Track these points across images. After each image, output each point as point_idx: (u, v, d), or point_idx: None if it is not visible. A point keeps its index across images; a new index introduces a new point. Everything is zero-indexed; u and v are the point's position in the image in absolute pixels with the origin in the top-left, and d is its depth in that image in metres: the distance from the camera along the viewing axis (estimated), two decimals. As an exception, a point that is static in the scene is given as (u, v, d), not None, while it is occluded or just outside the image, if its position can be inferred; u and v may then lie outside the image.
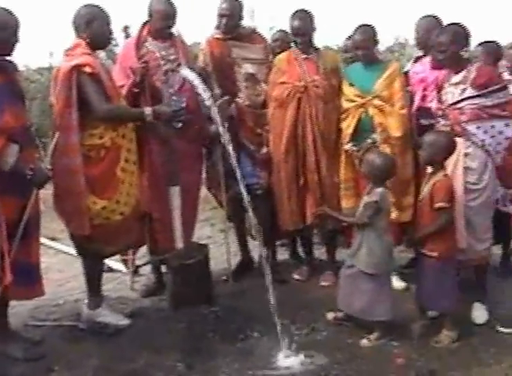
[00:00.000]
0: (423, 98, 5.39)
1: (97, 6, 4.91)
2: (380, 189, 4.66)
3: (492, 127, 4.72)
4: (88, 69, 4.69)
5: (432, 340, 4.64)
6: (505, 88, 4.82)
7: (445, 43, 4.76)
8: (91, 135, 4.77)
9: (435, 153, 4.59)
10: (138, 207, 5.11)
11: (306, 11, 5.59)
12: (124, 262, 6.03)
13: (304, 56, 5.60)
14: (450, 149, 4.63)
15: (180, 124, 5.36)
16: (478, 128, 4.72)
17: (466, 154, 4.72)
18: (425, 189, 4.66)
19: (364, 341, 4.69)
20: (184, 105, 5.30)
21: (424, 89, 5.39)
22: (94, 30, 4.83)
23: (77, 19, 4.87)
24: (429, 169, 4.79)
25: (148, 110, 5.00)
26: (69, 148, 4.68)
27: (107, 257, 5.33)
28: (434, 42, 5.06)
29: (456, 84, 4.81)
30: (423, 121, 5.30)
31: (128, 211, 4.97)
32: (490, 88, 4.71)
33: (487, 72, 4.85)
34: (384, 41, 14.28)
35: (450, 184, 4.59)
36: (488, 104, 4.70)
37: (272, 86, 5.65)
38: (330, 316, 5.01)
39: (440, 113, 4.93)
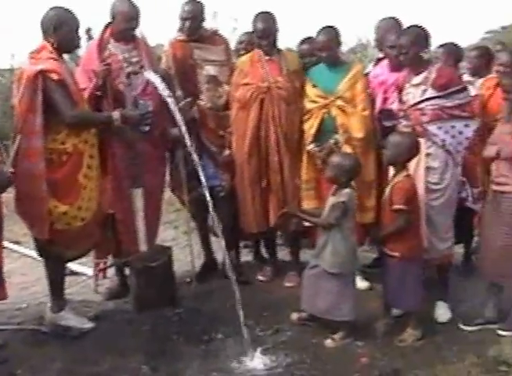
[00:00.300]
0: (385, 100, 5.45)
1: (67, 10, 4.87)
2: (347, 190, 4.68)
3: (453, 127, 4.79)
4: (54, 76, 4.65)
5: (396, 339, 4.69)
6: (465, 89, 4.90)
7: (405, 45, 4.82)
8: (53, 140, 4.73)
9: (399, 153, 4.64)
10: (100, 212, 5.08)
11: (269, 13, 5.59)
12: (97, 265, 5.97)
13: (268, 57, 5.60)
14: (414, 150, 4.68)
15: (147, 128, 5.35)
16: (439, 128, 4.78)
17: (427, 154, 4.78)
18: (387, 190, 4.70)
19: (328, 341, 4.72)
20: (151, 108, 5.28)
21: (385, 92, 5.46)
22: (62, 34, 4.79)
23: (45, 22, 4.82)
24: (391, 170, 4.83)
25: (116, 115, 4.98)
26: (31, 152, 4.64)
27: (69, 261, 5.28)
28: (392, 43, 5.14)
29: (417, 85, 4.87)
30: (386, 123, 5.34)
31: (89, 216, 4.94)
32: (450, 90, 4.78)
33: (447, 73, 4.92)
34: (347, 42, 14.35)
35: (410, 185, 4.64)
36: (449, 105, 4.77)
37: (234, 88, 5.65)
38: (294, 316, 5.03)
39: (401, 114, 4.98)
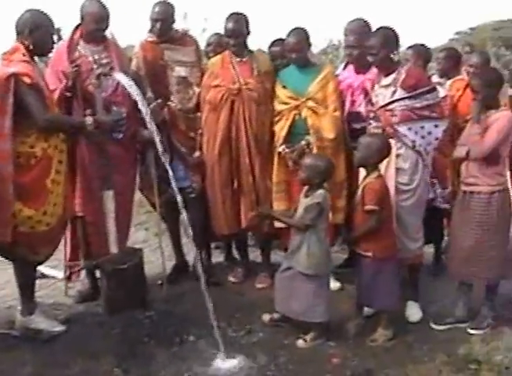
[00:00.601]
0: (353, 103, 5.48)
1: (42, 12, 4.85)
2: (321, 191, 4.70)
3: (422, 128, 4.83)
4: (27, 79, 4.62)
5: (368, 339, 4.71)
6: (434, 89, 4.95)
7: (375, 46, 4.84)
8: (22, 143, 4.69)
9: (370, 155, 4.67)
10: (65, 216, 5.05)
11: (240, 13, 5.59)
12: (69, 268, 5.91)
13: (238, 58, 5.60)
14: (384, 151, 4.72)
15: (121, 135, 5.34)
16: (409, 129, 4.82)
17: (397, 155, 4.81)
18: (358, 191, 4.72)
19: (300, 342, 4.73)
20: (125, 115, 5.26)
21: (352, 94, 5.48)
22: (38, 37, 4.76)
23: (20, 23, 4.80)
24: (362, 171, 4.86)
25: (89, 120, 4.98)
26: (0, 155, 4.60)
27: (37, 264, 5.22)
28: (351, 43, 5.25)
29: (386, 86, 4.91)
30: (355, 125, 5.39)
31: (54, 221, 4.89)
32: (419, 90, 4.82)
33: (416, 74, 4.97)
34: (318, 44, 14.40)
35: (382, 186, 4.67)
36: (418, 106, 4.82)
37: (205, 89, 5.63)
38: (266, 317, 5.04)
39: (371, 115, 5.02)
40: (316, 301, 4.70)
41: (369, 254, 4.67)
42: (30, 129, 4.71)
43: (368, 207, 4.61)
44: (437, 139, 4.90)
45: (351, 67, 5.67)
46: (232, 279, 5.99)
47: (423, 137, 4.84)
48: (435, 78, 5.93)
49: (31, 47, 4.76)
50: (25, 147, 4.70)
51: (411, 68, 5.01)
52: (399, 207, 4.87)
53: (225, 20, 5.55)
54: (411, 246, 4.98)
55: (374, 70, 5.23)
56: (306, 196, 4.77)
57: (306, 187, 4.80)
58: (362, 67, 5.40)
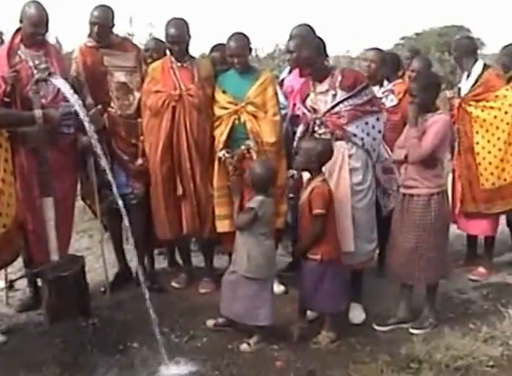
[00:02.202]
0: (294, 106, 5.55)
1: None
2: (259, 197, 4.75)
3: (366, 123, 4.96)
4: None
5: (312, 341, 4.75)
6: (368, 85, 5.08)
7: (311, 56, 4.96)
8: None
9: (311, 159, 4.71)
10: (18, 218, 5.02)
11: (182, 19, 5.59)
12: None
13: (179, 64, 5.59)
14: (326, 155, 4.77)
15: (72, 130, 5.30)
16: (357, 127, 4.94)
17: (350, 156, 4.87)
18: (304, 195, 4.76)
19: (244, 346, 4.76)
20: (73, 109, 5.07)
21: (294, 98, 5.56)
22: None
23: None
24: (305, 175, 4.91)
25: (38, 113, 4.92)
26: None
27: None
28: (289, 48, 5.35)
29: (325, 92, 4.98)
30: (296, 128, 5.42)
31: (9, 222, 4.87)
32: (358, 88, 4.94)
33: (351, 74, 5.10)
34: (265, 48, 14.48)
35: (327, 190, 4.72)
36: (360, 102, 4.95)
37: (146, 95, 5.61)
38: (210, 323, 5.06)
39: (317, 122, 5.02)
40: (258, 304, 4.74)
41: (317, 256, 4.71)
42: None
43: (316, 211, 4.66)
44: (380, 131, 5.03)
45: (296, 71, 5.74)
46: (175, 284, 5.98)
47: (368, 134, 4.95)
48: (387, 85, 5.99)
49: None
50: None
51: (344, 69, 5.12)
52: (354, 208, 4.94)
53: (166, 26, 5.55)
54: (367, 247, 5.07)
55: None
56: (249, 200, 4.83)
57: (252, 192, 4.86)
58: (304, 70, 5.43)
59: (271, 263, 4.89)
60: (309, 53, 4.96)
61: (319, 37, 5.11)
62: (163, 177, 5.60)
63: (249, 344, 4.77)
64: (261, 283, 4.78)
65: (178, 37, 5.51)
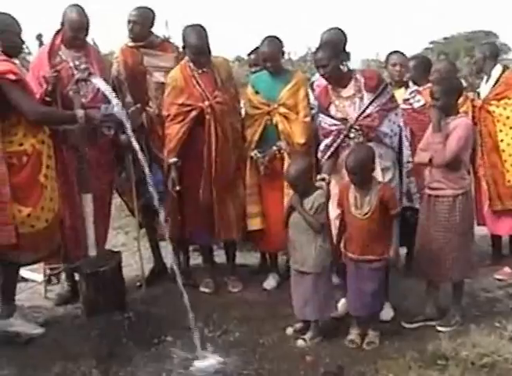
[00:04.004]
0: None
1: (8, 15, 4.88)
2: (319, 191, 4.72)
3: (389, 120, 4.93)
4: (11, 76, 4.63)
5: (346, 339, 4.72)
6: (387, 84, 5.10)
7: (324, 58, 4.89)
8: (10, 142, 4.71)
9: (368, 168, 4.61)
10: (59, 213, 5.07)
11: (199, 26, 5.47)
12: (52, 270, 5.91)
13: (200, 70, 5.49)
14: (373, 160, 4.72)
15: (112, 131, 5.34)
16: (387, 127, 4.92)
17: (379, 156, 4.82)
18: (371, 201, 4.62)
19: (300, 342, 4.75)
20: (114, 111, 5.10)
21: None
22: (5, 39, 4.77)
23: None
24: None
25: (80, 113, 4.98)
26: None
27: (28, 265, 5.27)
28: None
29: (351, 96, 4.95)
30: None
31: (51, 217, 4.92)
32: (381, 87, 4.91)
33: (373, 74, 5.09)
34: (298, 51, 14.54)
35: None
36: (384, 101, 4.92)
37: (167, 107, 5.50)
38: (290, 331, 4.93)
39: (353, 127, 4.93)
40: (322, 297, 4.75)
41: (385, 256, 4.62)
42: (14, 127, 4.73)
43: (395, 211, 4.61)
44: (399, 125, 5.02)
45: None
46: (203, 289, 5.82)
47: (392, 130, 4.94)
48: (412, 86, 5.98)
49: (1, 49, 4.77)
50: (14, 146, 4.72)
51: (364, 71, 5.10)
52: None
53: (185, 36, 5.43)
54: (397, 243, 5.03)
55: None
56: (301, 200, 4.71)
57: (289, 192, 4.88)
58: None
59: (329, 256, 4.84)
60: (323, 55, 4.92)
61: (342, 43, 5.08)
62: (195, 182, 5.53)
63: (304, 339, 4.75)
64: (328, 277, 4.81)
65: (201, 48, 5.42)
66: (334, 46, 5.03)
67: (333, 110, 5.02)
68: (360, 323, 4.78)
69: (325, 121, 5.08)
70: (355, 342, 4.69)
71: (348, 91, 4.96)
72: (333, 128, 5.00)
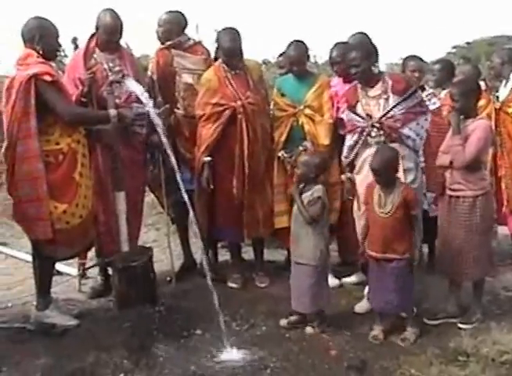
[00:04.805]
0: (337, 110, 5.56)
1: (46, 19, 4.94)
2: (319, 186, 4.79)
3: (418, 124, 4.98)
4: (48, 77, 4.72)
5: (397, 338, 4.73)
6: (417, 89, 5.09)
7: (357, 59, 4.94)
8: (47, 141, 4.79)
9: (393, 168, 4.66)
10: (93, 209, 5.14)
11: (233, 29, 5.55)
12: (82, 265, 6.00)
13: (233, 72, 5.56)
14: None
15: (144, 130, 5.41)
16: (410, 129, 4.95)
17: (402, 157, 4.86)
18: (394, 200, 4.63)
19: (309, 329, 4.86)
20: (146, 110, 5.20)
21: (338, 102, 5.57)
22: (42, 43, 4.84)
23: (25, 31, 4.89)
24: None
25: (113, 112, 5.06)
26: (29, 155, 4.70)
27: (63, 259, 5.35)
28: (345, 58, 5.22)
29: (377, 96, 4.99)
30: (340, 131, 5.49)
31: (86, 213, 5.00)
32: (409, 91, 4.94)
33: (401, 78, 5.15)
34: (323, 55, 14.50)
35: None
36: (411, 105, 4.95)
37: (201, 107, 5.57)
38: (283, 322, 5.02)
39: (374, 125, 4.99)
40: (321, 290, 4.85)
41: (406, 256, 4.61)
42: (51, 127, 4.82)
43: (415, 211, 4.63)
44: (426, 130, 5.05)
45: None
46: (231, 284, 5.85)
47: (418, 134, 4.97)
48: (429, 89, 6.02)
49: (41, 52, 4.85)
50: (51, 145, 4.81)
51: (394, 75, 5.11)
52: None
53: (219, 39, 5.55)
54: (418, 244, 5.05)
55: None
56: (301, 192, 4.82)
57: (300, 185, 4.87)
58: (348, 77, 5.44)
59: (328, 254, 4.97)
60: (356, 55, 4.96)
61: (373, 45, 5.12)
62: (224, 183, 5.61)
63: (313, 327, 4.84)
64: (323, 270, 4.87)
65: (234, 50, 5.49)
66: (367, 48, 5.07)
67: (359, 108, 5.07)
68: (383, 319, 4.81)
69: (350, 118, 5.16)
70: (378, 338, 4.72)
71: (375, 91, 5.00)
72: (358, 124, 5.08)
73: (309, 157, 4.96)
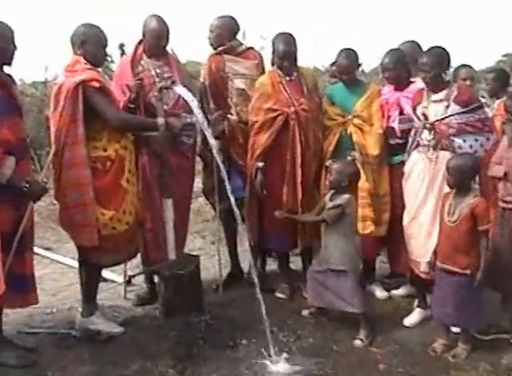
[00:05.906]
0: (388, 118, 5.48)
1: (95, 26, 4.95)
2: (346, 195, 4.82)
3: (476, 140, 4.87)
4: (95, 83, 4.75)
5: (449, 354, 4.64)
6: (482, 106, 4.98)
7: (428, 64, 4.87)
8: (94, 148, 4.82)
9: (466, 176, 4.57)
10: (139, 216, 5.15)
11: (289, 34, 5.52)
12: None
13: (287, 78, 5.53)
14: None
15: (191, 140, 5.44)
16: (464, 141, 4.85)
17: None
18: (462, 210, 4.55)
19: (357, 342, 4.82)
20: (194, 120, 5.22)
21: (388, 110, 5.48)
22: (88, 49, 4.87)
23: (73, 37, 4.92)
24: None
25: (161, 121, 5.07)
26: (76, 161, 4.72)
27: (109, 266, 5.36)
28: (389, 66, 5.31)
29: (438, 101, 4.91)
30: (390, 141, 5.43)
31: (132, 220, 5.01)
32: (472, 106, 4.85)
33: (468, 91, 5.05)
34: (371, 63, 14.44)
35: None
36: (472, 119, 4.84)
37: (255, 112, 5.52)
38: (305, 312, 5.19)
39: (426, 126, 4.95)
40: (351, 294, 4.87)
41: (467, 271, 4.52)
42: (99, 134, 4.84)
43: (485, 226, 4.49)
44: (485, 150, 4.90)
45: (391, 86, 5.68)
46: (279, 295, 5.79)
47: (476, 151, 4.84)
48: (482, 98, 5.91)
49: (88, 58, 4.87)
50: (99, 152, 4.82)
51: (462, 85, 5.03)
52: None
53: (275, 42, 5.50)
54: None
55: (411, 88, 5.34)
56: (331, 199, 4.89)
57: (332, 192, 4.92)
58: (399, 85, 5.43)
59: (359, 257, 4.98)
60: (427, 61, 4.89)
61: (447, 52, 5.04)
62: (275, 192, 5.54)
63: (361, 339, 4.79)
64: (352, 275, 4.86)
65: (288, 53, 5.45)
66: (441, 54, 4.98)
67: (419, 110, 5.04)
68: (445, 331, 4.75)
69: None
70: (436, 351, 4.65)
71: (438, 96, 4.93)
72: (414, 124, 5.08)
73: (343, 165, 4.96)
